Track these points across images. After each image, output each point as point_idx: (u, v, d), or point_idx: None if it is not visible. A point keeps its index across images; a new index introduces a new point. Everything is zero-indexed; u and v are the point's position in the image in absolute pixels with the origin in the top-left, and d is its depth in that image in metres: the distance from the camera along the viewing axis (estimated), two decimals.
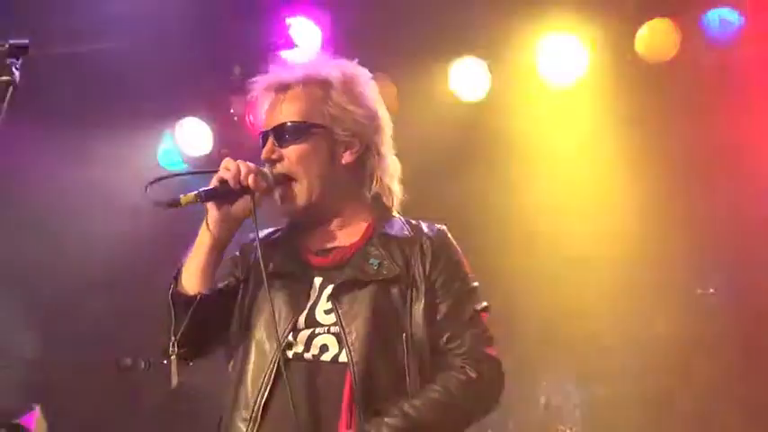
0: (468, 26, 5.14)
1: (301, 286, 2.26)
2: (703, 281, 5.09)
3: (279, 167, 2.24)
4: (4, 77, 1.88)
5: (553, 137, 5.27)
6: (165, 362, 2.24)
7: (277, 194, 2.27)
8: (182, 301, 2.20)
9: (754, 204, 5.02)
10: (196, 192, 2.11)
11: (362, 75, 2.38)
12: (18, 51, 1.91)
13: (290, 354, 2.18)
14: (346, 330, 2.15)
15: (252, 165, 2.19)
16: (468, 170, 5.22)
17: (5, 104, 1.87)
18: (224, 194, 2.17)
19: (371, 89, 2.38)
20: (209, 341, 2.32)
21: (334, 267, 2.27)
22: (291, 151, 2.26)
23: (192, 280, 2.23)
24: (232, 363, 2.31)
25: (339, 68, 2.34)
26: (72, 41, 5.04)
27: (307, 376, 2.16)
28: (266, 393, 2.15)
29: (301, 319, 2.19)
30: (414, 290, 2.24)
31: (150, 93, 5.06)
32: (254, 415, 2.12)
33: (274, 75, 2.37)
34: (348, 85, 2.33)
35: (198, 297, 2.20)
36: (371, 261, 2.25)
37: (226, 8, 5.05)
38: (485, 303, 2.28)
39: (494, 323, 2.26)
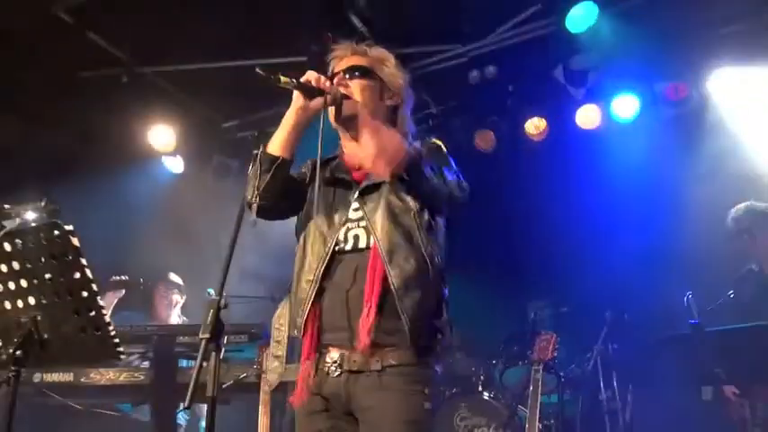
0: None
1: (348, 191, 2.09)
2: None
3: (343, 90, 2.08)
4: (255, 151, 2.01)
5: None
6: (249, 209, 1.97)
7: (334, 108, 2.07)
8: (267, 159, 1.99)
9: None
10: (292, 78, 1.95)
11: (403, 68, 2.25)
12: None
13: (337, 247, 2.01)
14: (371, 221, 1.99)
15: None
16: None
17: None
18: (308, 90, 1.99)
19: (407, 77, 2.25)
20: (281, 202, 2.08)
21: (360, 180, 2.10)
22: (356, 83, 2.11)
23: (276, 147, 2.03)
24: (299, 242, 2.11)
25: (393, 57, 2.24)
26: None
27: (349, 260, 1.99)
28: (323, 266, 1.98)
29: (339, 216, 2.05)
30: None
31: None
32: (315, 278, 1.97)
33: (351, 44, 2.23)
34: (396, 64, 2.22)
35: (280, 158, 2.01)
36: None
37: None
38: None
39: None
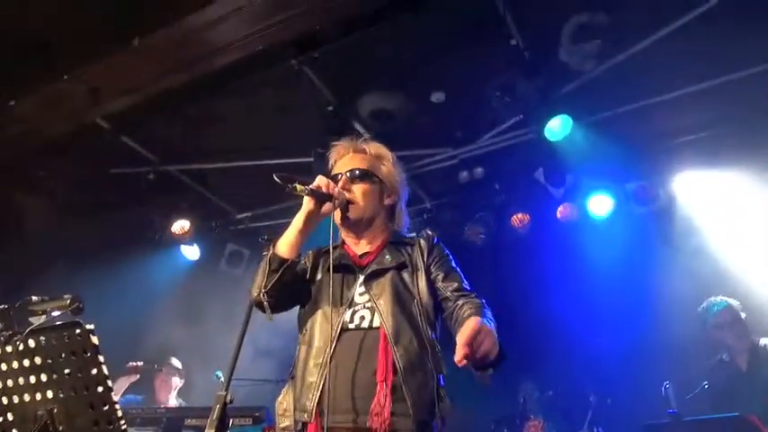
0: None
1: (353, 277, 2.06)
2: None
3: (348, 194, 2.10)
4: (265, 253, 2.02)
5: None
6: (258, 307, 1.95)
7: (340, 212, 2.08)
8: (276, 260, 1.96)
9: None
10: (304, 187, 1.96)
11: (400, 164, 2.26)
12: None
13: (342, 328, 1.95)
14: (377, 303, 1.95)
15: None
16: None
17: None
18: (318, 196, 2.00)
19: (404, 173, 2.27)
20: (287, 298, 2.05)
21: (365, 266, 2.08)
22: (358, 187, 2.12)
23: (285, 249, 1.99)
24: (304, 329, 2.05)
25: (390, 153, 2.26)
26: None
27: (355, 340, 1.93)
28: (332, 348, 1.91)
29: (346, 301, 1.99)
30: (417, 270, 2.05)
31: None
32: (323, 361, 1.89)
33: (352, 141, 2.25)
34: (394, 161, 2.24)
35: (290, 260, 1.98)
36: (387, 257, 2.07)
37: None
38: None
39: None
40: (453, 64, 4.06)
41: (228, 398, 1.75)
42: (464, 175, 4.86)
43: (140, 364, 4.65)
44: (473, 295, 2.02)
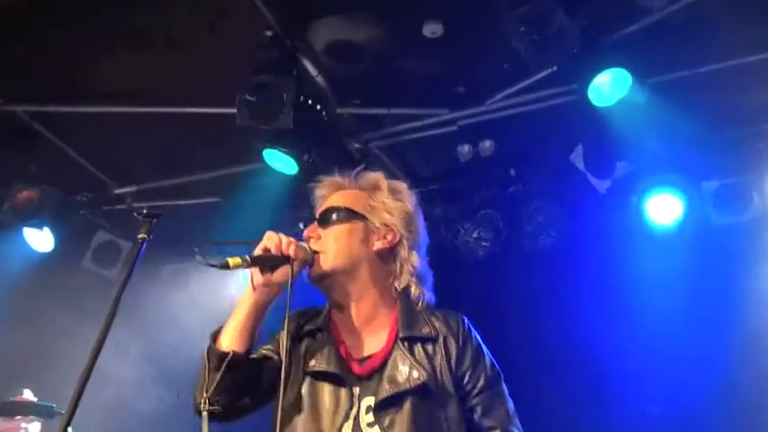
0: None
1: (345, 391, 2.09)
2: None
3: (314, 244, 2.16)
4: (141, 235, 2.01)
5: None
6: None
7: (308, 266, 2.14)
8: (215, 356, 2.01)
9: None
10: (242, 257, 2.01)
11: (407, 189, 2.35)
12: (153, 215, 2.06)
13: None
14: None
15: (292, 238, 2.10)
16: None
17: (140, 255, 2.01)
18: (267, 261, 2.06)
19: (412, 199, 2.33)
20: (242, 402, 2.10)
21: (368, 376, 2.10)
22: (330, 231, 2.18)
23: (228, 338, 2.04)
24: None
25: (389, 179, 2.34)
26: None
27: None
28: None
29: (346, 428, 2.04)
30: (444, 391, 2.09)
31: None
32: None
33: (333, 178, 2.36)
34: (393, 189, 2.30)
35: (231, 353, 2.00)
36: (401, 368, 2.08)
37: None
38: (508, 397, 2.18)
39: None
40: None
41: None
42: (465, 150, 4.77)
43: (35, 400, 4.40)
44: None
